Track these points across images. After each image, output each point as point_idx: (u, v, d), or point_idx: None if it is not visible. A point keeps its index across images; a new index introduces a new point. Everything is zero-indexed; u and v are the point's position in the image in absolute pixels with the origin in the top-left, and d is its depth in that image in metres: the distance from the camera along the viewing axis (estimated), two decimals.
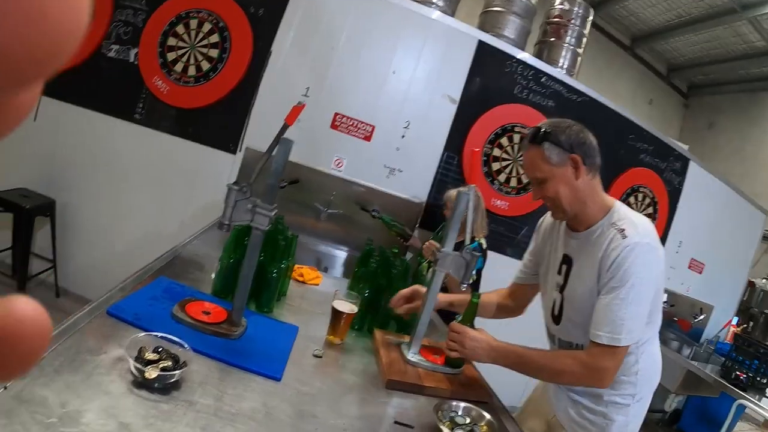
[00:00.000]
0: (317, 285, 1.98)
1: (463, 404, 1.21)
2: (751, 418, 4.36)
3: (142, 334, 0.96)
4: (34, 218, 2.75)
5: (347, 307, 1.43)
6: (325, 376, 1.23)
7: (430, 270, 1.51)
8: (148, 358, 0.93)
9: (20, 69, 0.14)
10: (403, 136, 3.12)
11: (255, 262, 1.21)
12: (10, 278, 2.83)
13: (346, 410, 1.09)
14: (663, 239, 3.85)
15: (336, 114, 2.99)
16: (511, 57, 3.25)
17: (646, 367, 1.34)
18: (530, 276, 1.58)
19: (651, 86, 9.16)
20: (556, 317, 1.41)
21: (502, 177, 3.38)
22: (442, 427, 1.08)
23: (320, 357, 1.31)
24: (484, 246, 2.63)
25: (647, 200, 3.84)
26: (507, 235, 3.41)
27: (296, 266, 1.92)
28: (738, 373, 3.20)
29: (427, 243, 2.34)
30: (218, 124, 2.91)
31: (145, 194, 2.94)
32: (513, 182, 3.41)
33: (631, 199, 3.76)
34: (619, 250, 1.19)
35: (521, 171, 3.38)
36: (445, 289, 1.74)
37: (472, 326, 1.41)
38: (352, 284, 1.88)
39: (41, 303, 0.16)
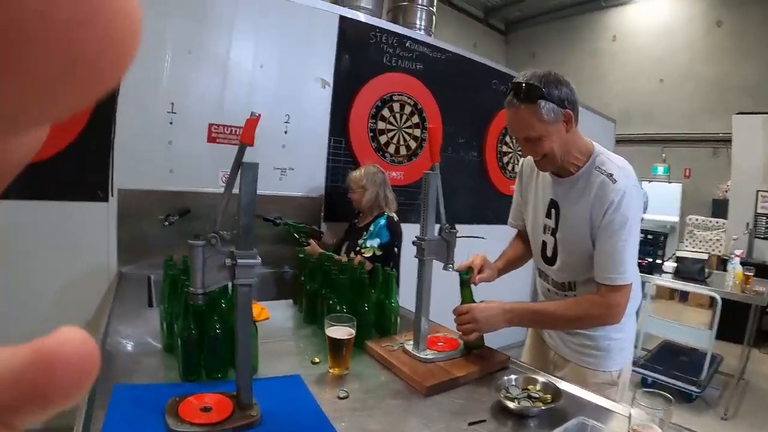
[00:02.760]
0: (269, 319, 1.76)
1: (513, 377, 1.23)
2: None
3: None
4: None
5: (344, 332, 1.29)
6: (372, 415, 1.09)
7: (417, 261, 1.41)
8: None
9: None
10: (285, 132, 2.89)
11: (250, 325, 1.00)
12: None
13: None
14: None
15: (210, 125, 2.63)
16: (374, 27, 3.19)
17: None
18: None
19: (472, 31, 9.89)
20: (550, 259, 1.43)
21: (391, 148, 3.38)
22: (509, 404, 1.10)
23: (347, 397, 1.17)
24: (396, 219, 2.62)
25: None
26: (408, 203, 3.43)
27: None
28: None
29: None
30: (72, 171, 2.26)
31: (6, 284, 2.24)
32: (402, 150, 3.44)
33: (507, 139, 4.05)
34: (612, 196, 1.23)
35: (407, 138, 3.43)
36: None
37: (473, 302, 1.39)
38: (309, 303, 1.72)
39: None
